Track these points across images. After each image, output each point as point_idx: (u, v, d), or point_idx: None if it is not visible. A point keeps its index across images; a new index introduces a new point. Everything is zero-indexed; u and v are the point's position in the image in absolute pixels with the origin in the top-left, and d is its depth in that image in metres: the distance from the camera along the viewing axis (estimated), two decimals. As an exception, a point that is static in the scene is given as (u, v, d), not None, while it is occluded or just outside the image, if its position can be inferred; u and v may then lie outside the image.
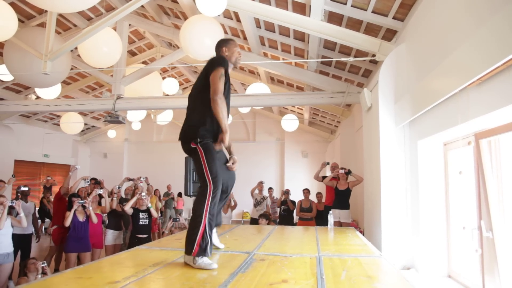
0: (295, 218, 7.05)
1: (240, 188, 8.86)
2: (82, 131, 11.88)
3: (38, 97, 7.35)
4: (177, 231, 5.51)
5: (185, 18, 5.78)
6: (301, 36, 5.39)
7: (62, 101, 7.04)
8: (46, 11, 4.88)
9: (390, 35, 4.28)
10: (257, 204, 7.21)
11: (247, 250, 2.83)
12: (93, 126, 12.59)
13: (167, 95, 7.28)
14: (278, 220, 7.09)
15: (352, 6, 4.03)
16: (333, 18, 4.44)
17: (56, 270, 5.46)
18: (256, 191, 7.35)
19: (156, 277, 2.06)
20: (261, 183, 7.43)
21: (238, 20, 5.56)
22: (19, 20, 5.47)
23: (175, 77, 10.35)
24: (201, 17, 4.71)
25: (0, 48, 6.17)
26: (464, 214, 3.13)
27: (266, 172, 11.87)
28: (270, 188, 7.66)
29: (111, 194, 5.80)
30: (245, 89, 7.91)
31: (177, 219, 6.14)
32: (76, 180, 6.01)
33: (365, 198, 4.84)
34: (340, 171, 5.49)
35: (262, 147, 12.35)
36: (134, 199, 5.37)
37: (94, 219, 5.07)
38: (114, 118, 6.08)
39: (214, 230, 2.72)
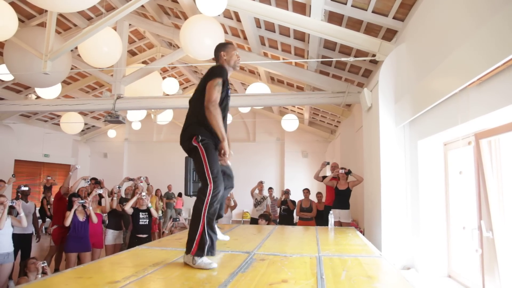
0: (295, 218, 7.05)
1: (240, 188, 8.87)
2: (82, 131, 11.89)
3: (38, 97, 7.35)
4: (177, 231, 5.51)
5: (185, 18, 5.78)
6: (301, 36, 5.38)
7: (62, 101, 7.04)
8: (46, 11, 4.89)
9: (390, 35, 4.28)
10: (257, 204, 7.21)
11: (247, 250, 2.83)
12: (93, 126, 12.59)
13: (167, 95, 7.28)
14: (278, 220, 7.09)
15: (352, 6, 4.03)
16: (333, 18, 4.44)
17: (56, 270, 5.46)
18: (256, 191, 7.35)
19: (156, 277, 2.06)
20: (261, 183, 7.44)
21: (238, 20, 5.55)
22: (19, 19, 5.48)
23: (175, 77, 10.35)
24: (201, 17, 4.71)
25: (0, 48, 6.17)
26: (464, 214, 3.13)
27: (266, 172, 11.88)
28: (270, 188, 7.66)
29: (111, 194, 5.80)
30: (245, 89, 7.91)
31: (177, 219, 6.14)
32: (76, 180, 6.01)
33: (365, 198, 4.84)
34: (340, 171, 5.49)
35: (262, 147, 12.35)
36: (134, 199, 5.38)
37: (94, 219, 5.07)
38: (114, 118, 6.08)
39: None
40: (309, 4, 4.20)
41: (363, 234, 4.38)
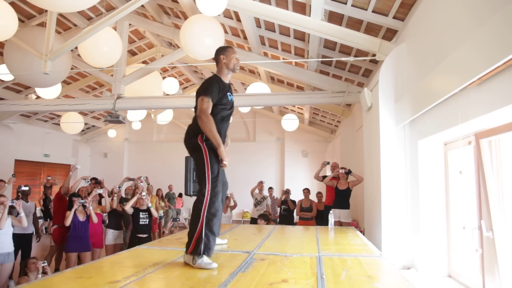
0: (295, 217, 7.05)
1: (240, 188, 8.91)
2: (82, 130, 11.89)
3: (38, 97, 7.35)
4: (177, 231, 5.51)
5: (185, 17, 5.78)
6: (301, 36, 5.38)
7: (62, 100, 7.04)
8: (46, 11, 4.88)
9: (390, 34, 4.28)
10: (257, 203, 7.22)
11: (247, 249, 2.83)
12: (93, 126, 12.59)
13: (167, 94, 7.28)
14: (278, 220, 7.09)
15: (352, 5, 4.03)
16: (333, 17, 4.43)
17: (57, 269, 5.46)
18: (256, 191, 7.35)
19: (156, 276, 2.06)
20: (261, 182, 7.44)
21: (238, 20, 5.55)
22: (19, 19, 5.47)
23: (175, 77, 10.35)
24: (201, 17, 4.71)
25: (0, 48, 6.17)
26: (464, 213, 3.13)
27: (266, 171, 11.87)
28: (270, 188, 7.67)
29: (111, 193, 5.80)
30: (245, 89, 7.91)
31: (177, 219, 6.14)
32: (77, 180, 6.02)
33: (365, 198, 4.84)
34: (340, 170, 5.49)
35: (262, 146, 12.35)
36: (135, 198, 5.38)
37: (94, 219, 5.07)
38: (114, 118, 6.09)
39: None
40: (309, 3, 4.20)
41: (363, 234, 4.38)
